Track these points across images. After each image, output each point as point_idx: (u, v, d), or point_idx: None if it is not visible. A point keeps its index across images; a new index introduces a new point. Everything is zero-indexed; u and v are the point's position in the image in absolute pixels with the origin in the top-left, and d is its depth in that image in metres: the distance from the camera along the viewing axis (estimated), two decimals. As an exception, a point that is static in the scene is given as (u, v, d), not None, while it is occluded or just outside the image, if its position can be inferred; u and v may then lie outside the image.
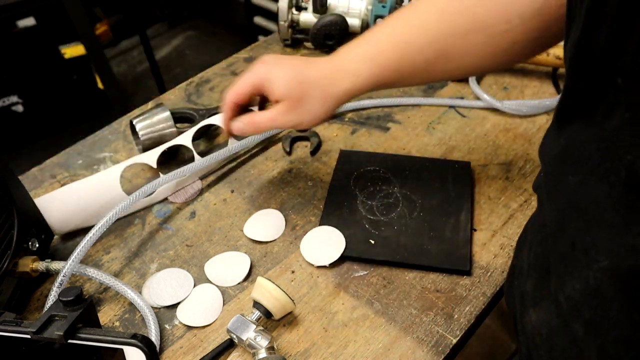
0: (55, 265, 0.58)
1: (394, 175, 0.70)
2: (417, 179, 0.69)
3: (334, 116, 0.82)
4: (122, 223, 0.69)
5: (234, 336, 0.52)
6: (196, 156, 0.71)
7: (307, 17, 0.94)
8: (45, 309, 0.55)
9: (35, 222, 0.61)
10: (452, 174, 0.69)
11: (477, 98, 0.82)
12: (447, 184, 0.68)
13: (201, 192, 0.72)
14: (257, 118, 0.59)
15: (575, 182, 0.32)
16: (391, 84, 0.58)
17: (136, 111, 0.85)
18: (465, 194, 0.67)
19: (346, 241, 0.62)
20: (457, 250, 0.60)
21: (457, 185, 0.68)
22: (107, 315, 0.59)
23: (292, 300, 0.54)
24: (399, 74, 0.56)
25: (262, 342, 0.51)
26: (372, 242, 0.62)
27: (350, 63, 0.56)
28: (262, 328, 0.53)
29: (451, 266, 0.59)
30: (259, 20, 2.35)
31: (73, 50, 2.03)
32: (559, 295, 0.35)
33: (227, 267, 0.62)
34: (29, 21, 2.08)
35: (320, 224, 0.65)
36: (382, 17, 0.91)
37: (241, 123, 0.59)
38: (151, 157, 0.70)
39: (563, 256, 0.34)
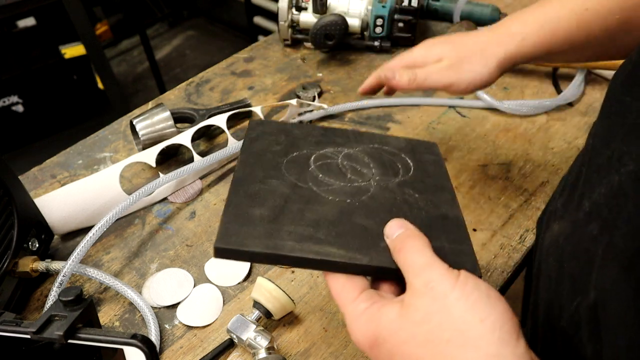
0: (55, 265, 0.58)
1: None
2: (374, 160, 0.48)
3: (334, 112, 0.82)
4: (122, 223, 0.69)
5: (234, 336, 0.52)
6: (196, 156, 0.71)
7: (307, 17, 0.94)
8: (45, 309, 0.55)
9: (35, 222, 0.61)
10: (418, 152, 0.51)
11: (477, 98, 0.82)
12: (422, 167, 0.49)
13: (201, 192, 0.72)
14: (416, 70, 0.56)
15: (629, 101, 0.34)
16: (559, 54, 0.53)
17: (136, 111, 0.85)
18: (443, 177, 0.48)
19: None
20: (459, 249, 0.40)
21: (431, 169, 0.49)
22: (107, 315, 0.59)
23: (292, 300, 0.54)
24: (570, 44, 0.51)
25: (262, 342, 0.51)
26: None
27: (517, 26, 0.53)
28: (262, 328, 0.53)
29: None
30: (259, 20, 2.35)
31: (73, 50, 2.03)
32: (584, 203, 0.36)
33: (227, 267, 0.62)
34: (29, 21, 2.09)
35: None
36: (382, 17, 0.91)
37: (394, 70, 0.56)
38: (150, 155, 0.70)
39: (599, 167, 0.35)
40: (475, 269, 0.38)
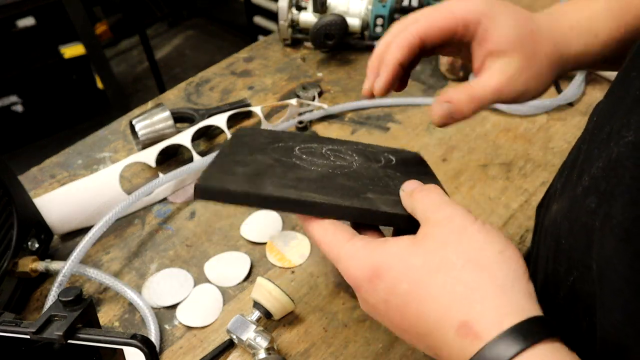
0: (54, 265, 0.58)
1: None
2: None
3: (334, 116, 0.82)
4: (122, 223, 0.68)
5: (234, 336, 0.52)
6: (196, 156, 0.71)
7: (307, 17, 0.94)
8: (45, 309, 0.55)
9: (35, 222, 0.61)
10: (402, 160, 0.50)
11: (477, 98, 0.82)
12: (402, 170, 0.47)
13: (201, 192, 0.72)
14: (477, 90, 0.39)
15: (634, 76, 0.33)
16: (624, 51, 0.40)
17: (136, 111, 0.85)
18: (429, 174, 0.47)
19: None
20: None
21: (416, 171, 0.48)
22: (107, 315, 0.58)
23: (292, 300, 0.54)
24: None
25: (262, 342, 0.51)
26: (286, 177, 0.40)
27: (584, 19, 0.41)
28: (262, 328, 0.53)
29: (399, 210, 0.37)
30: (259, 20, 2.35)
31: (73, 50, 2.03)
32: (583, 179, 0.35)
33: (227, 267, 0.62)
34: (29, 21, 2.09)
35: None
36: (382, 16, 0.91)
37: (450, 100, 0.39)
38: (149, 155, 0.70)
39: (599, 142, 0.35)
40: None
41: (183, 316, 0.57)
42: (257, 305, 0.54)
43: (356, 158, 0.47)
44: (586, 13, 0.42)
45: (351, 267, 0.34)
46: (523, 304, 0.29)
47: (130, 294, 0.58)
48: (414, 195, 0.36)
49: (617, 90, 0.36)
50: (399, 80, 0.45)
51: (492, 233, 0.32)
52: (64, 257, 0.59)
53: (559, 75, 0.42)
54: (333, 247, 0.35)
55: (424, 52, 0.42)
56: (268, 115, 0.84)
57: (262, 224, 0.66)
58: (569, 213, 0.37)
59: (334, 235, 0.36)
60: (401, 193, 0.38)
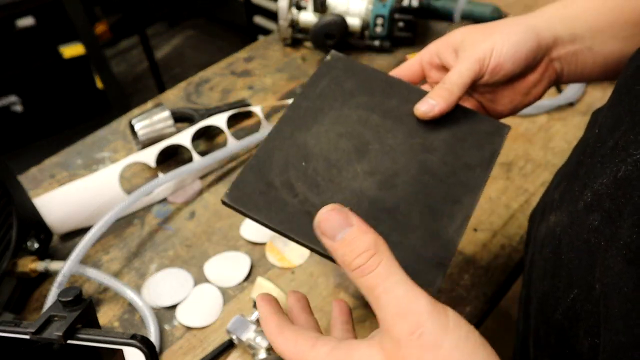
0: (54, 265, 0.58)
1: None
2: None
3: None
4: (122, 223, 0.68)
5: (234, 337, 0.52)
6: (196, 156, 0.71)
7: (307, 17, 0.93)
8: (44, 310, 0.55)
9: (35, 222, 0.61)
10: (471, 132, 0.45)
11: (478, 98, 0.82)
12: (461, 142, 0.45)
13: (201, 192, 0.72)
14: (451, 81, 0.44)
15: (638, 89, 0.33)
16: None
17: (135, 111, 0.85)
18: (484, 163, 0.44)
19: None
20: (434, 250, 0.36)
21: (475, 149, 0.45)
22: (106, 315, 0.58)
23: (292, 301, 0.54)
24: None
25: (262, 342, 0.51)
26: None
27: (570, 4, 0.45)
28: (261, 328, 0.52)
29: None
30: (259, 20, 2.35)
31: (72, 50, 2.02)
32: (585, 194, 0.35)
33: (227, 267, 0.62)
34: (28, 21, 2.08)
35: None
36: (382, 16, 0.91)
37: (432, 98, 0.43)
38: (149, 155, 0.70)
39: (602, 157, 0.34)
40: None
41: (183, 316, 0.57)
42: (257, 305, 0.54)
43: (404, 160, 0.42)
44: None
45: None
46: None
47: (130, 294, 0.58)
48: (356, 274, 0.28)
49: (621, 103, 0.35)
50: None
51: (469, 346, 0.27)
52: (63, 257, 0.59)
53: (542, 50, 0.44)
54: (297, 356, 0.31)
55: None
56: (268, 115, 0.84)
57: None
58: (570, 228, 0.36)
59: (295, 344, 0.32)
60: (322, 238, 0.30)
